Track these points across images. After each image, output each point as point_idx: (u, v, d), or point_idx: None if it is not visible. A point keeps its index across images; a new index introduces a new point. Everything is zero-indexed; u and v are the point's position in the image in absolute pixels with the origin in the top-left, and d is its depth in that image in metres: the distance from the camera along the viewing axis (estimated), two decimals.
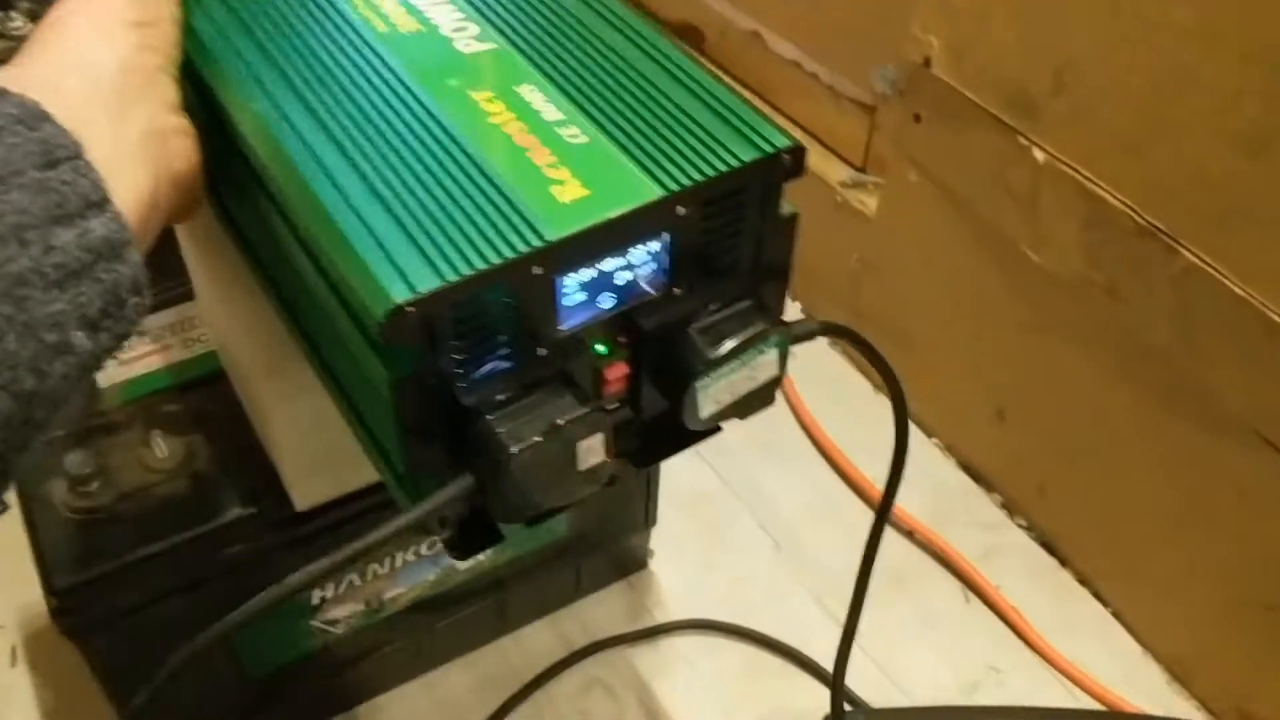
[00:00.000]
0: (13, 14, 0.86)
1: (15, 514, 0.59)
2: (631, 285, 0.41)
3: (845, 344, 0.97)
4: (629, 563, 0.83)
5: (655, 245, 0.41)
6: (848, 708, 0.73)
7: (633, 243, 0.40)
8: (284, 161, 0.41)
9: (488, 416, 0.39)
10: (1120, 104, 0.65)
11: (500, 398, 0.40)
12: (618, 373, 0.43)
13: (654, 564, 0.84)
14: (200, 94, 0.45)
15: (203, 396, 0.61)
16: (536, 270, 0.37)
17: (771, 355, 0.44)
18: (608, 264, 0.40)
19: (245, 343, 0.54)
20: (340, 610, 0.67)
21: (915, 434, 0.94)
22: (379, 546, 0.40)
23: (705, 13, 1.01)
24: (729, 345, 0.43)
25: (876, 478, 0.89)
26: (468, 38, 0.46)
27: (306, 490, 0.56)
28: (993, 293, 0.79)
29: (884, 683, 0.78)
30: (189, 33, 0.45)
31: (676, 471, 0.89)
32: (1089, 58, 0.66)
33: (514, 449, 0.39)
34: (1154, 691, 0.79)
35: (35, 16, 0.85)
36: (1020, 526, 0.87)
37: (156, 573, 0.55)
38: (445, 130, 0.41)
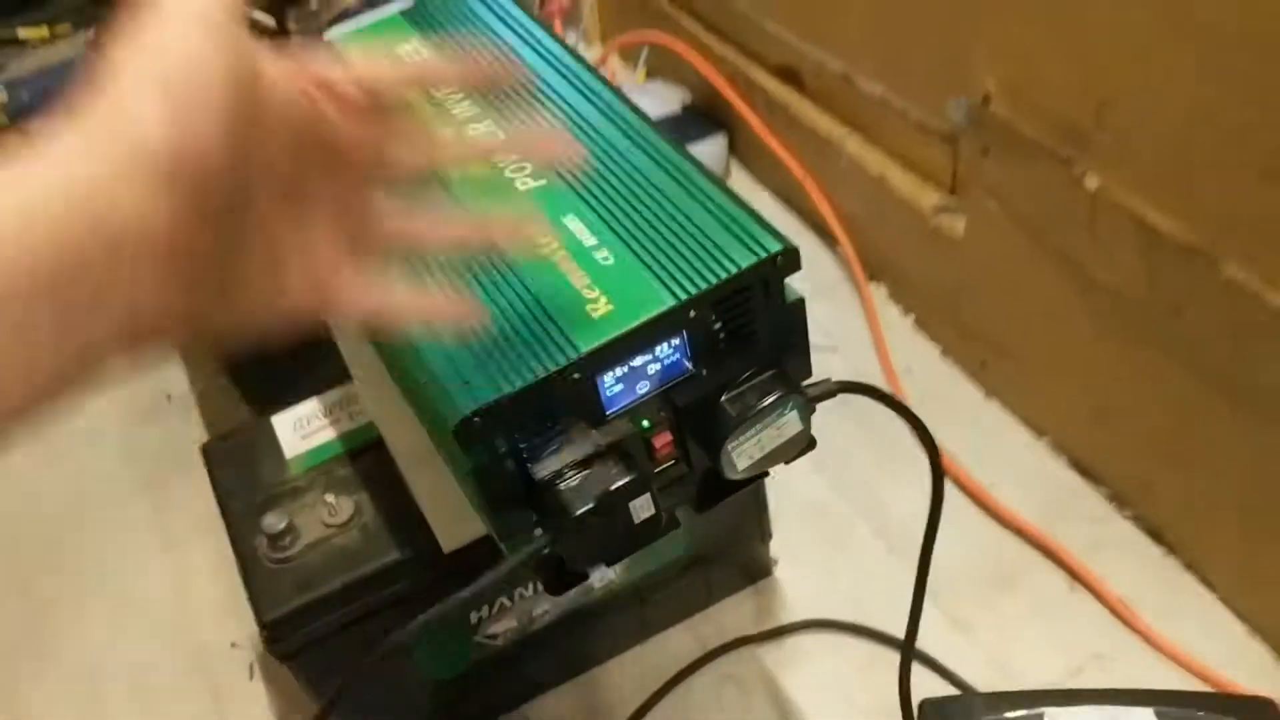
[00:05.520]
0: None
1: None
2: (661, 373, 0.51)
3: (955, 357, 1.05)
4: (755, 571, 0.93)
5: (675, 340, 0.50)
6: (955, 692, 0.80)
7: (655, 343, 0.50)
8: None
9: (556, 486, 0.50)
10: (1155, 137, 0.70)
11: (566, 471, 0.51)
12: (663, 440, 0.53)
13: (778, 570, 0.93)
14: None
15: (366, 461, 0.74)
16: (575, 376, 0.48)
17: (792, 415, 0.53)
18: (637, 361, 0.50)
19: (387, 424, 0.67)
20: (497, 626, 0.79)
21: (1024, 435, 0.99)
22: (474, 601, 0.51)
23: (801, 57, 1.09)
24: (750, 411, 0.52)
25: (987, 482, 0.95)
26: (524, 177, 0.57)
27: (450, 535, 0.69)
28: (1072, 309, 0.85)
29: (995, 674, 0.85)
30: None
31: (796, 486, 0.98)
32: (1125, 95, 0.71)
33: (577, 510, 0.49)
34: (1261, 670, 0.82)
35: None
36: (1128, 518, 0.92)
37: (339, 605, 0.69)
38: (506, 261, 0.52)
